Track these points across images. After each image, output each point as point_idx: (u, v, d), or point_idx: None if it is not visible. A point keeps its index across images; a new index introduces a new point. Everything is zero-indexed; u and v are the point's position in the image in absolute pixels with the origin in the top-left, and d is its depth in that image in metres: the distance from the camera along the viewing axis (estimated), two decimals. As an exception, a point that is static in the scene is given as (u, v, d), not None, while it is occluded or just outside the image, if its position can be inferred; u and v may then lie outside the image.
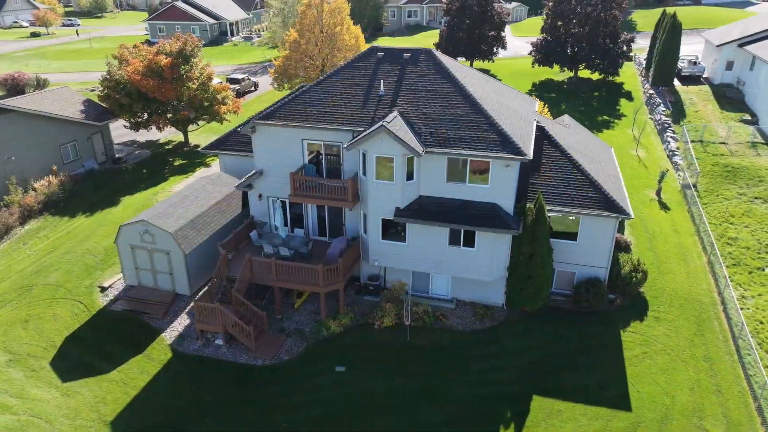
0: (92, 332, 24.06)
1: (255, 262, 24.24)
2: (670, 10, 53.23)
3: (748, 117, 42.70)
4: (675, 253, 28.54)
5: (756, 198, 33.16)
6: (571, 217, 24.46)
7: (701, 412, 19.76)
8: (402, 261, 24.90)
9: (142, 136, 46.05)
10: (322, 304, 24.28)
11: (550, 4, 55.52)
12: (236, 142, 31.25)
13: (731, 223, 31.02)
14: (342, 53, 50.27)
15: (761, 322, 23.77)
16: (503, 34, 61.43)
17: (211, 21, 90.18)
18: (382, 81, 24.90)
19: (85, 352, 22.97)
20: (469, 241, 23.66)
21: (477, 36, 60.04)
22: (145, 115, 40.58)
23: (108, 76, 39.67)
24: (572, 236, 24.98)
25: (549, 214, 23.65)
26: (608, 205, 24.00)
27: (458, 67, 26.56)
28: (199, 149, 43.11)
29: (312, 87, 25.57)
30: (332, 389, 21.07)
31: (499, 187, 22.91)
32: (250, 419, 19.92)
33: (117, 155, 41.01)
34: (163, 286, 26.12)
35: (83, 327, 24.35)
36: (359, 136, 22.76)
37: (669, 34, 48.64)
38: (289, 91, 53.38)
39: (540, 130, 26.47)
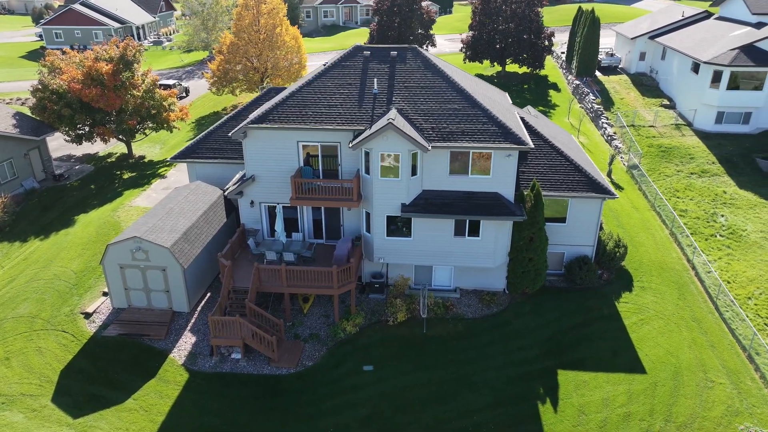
0: (90, 362, 22.20)
1: (263, 270, 23.55)
2: (586, 6, 57.38)
3: (666, 102, 47.19)
4: (640, 227, 31.18)
5: (692, 173, 36.90)
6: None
7: (704, 366, 21.95)
8: (407, 256, 25.23)
9: (79, 149, 42.55)
10: (335, 306, 24.06)
11: (477, 2, 57.87)
12: (207, 149, 30.07)
13: (678, 197, 34.35)
14: (283, 54, 49.36)
15: (729, 282, 26.68)
16: (432, 32, 63.12)
17: (116, 25, 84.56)
18: (375, 79, 25.05)
19: (89, 384, 21.18)
20: (474, 231, 24.45)
21: (408, 34, 61.23)
22: (87, 127, 37.60)
23: (40, 86, 36.33)
24: (561, 219, 26.59)
25: (542, 199, 25.01)
26: (594, 186, 25.81)
27: (443, 63, 27.28)
28: (145, 160, 40.86)
29: (303, 88, 25.18)
30: (368, 389, 21.04)
31: (500, 176, 23.89)
32: (294, 429, 19.43)
33: (57, 171, 37.65)
34: (158, 305, 24.60)
35: (77, 358, 22.40)
36: (365, 135, 22.79)
37: (589, 29, 52.53)
38: (231, 96, 51.72)
39: (522, 120, 27.81)
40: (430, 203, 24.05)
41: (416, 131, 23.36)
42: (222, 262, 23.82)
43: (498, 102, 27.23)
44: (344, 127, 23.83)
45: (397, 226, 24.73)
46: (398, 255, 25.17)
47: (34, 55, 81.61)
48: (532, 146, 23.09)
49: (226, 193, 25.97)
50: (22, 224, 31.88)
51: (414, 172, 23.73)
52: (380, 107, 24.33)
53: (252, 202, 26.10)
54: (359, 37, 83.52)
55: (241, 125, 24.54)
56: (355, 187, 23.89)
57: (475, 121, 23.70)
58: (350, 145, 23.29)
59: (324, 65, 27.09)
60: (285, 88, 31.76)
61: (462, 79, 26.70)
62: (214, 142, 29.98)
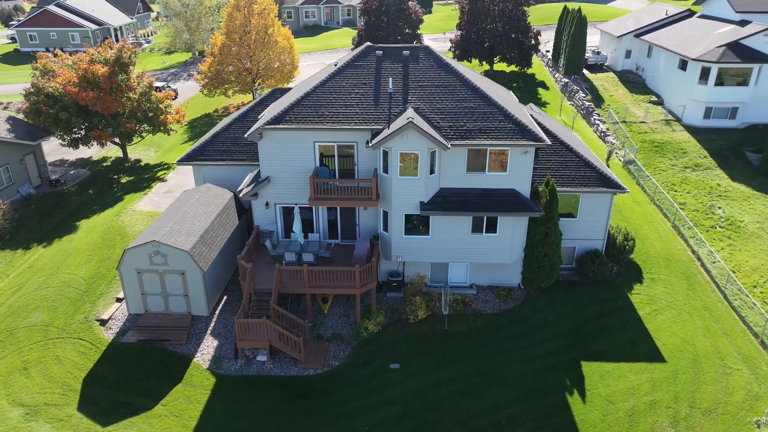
0: (112, 369, 21.80)
1: (284, 272, 23.47)
2: (572, 5, 58.34)
3: (655, 98, 48.36)
4: (644, 221, 31.93)
5: (686, 167, 37.93)
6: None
7: (720, 354, 22.64)
8: (425, 254, 25.40)
9: (72, 154, 41.61)
10: (357, 306, 24.10)
11: (465, 1, 58.38)
12: (214, 152, 29.74)
13: (675, 191, 35.26)
14: (276, 55, 49.05)
15: (733, 272, 27.53)
16: (419, 32, 63.46)
17: (93, 27, 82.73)
18: (390, 79, 25.14)
19: (114, 391, 20.81)
20: (492, 227, 24.74)
21: (396, 34, 61.43)
22: (83, 131, 36.82)
23: (33, 90, 35.44)
24: (572, 214, 27.08)
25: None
26: (605, 181, 26.35)
27: (455, 62, 27.50)
28: (141, 163, 40.20)
29: (317, 88, 25.13)
30: (397, 386, 21.14)
31: (517, 173, 24.22)
32: (330, 430, 19.41)
33: (53, 177, 36.76)
34: (176, 310, 24.28)
35: (99, 365, 21.98)
36: (385, 134, 22.86)
37: (577, 28, 53.46)
38: (222, 97, 51.15)
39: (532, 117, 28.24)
40: (448, 201, 24.25)
41: (434, 130, 23.54)
42: (243, 265, 23.64)
43: (508, 100, 27.61)
44: (362, 127, 23.87)
45: (415, 225, 24.88)
46: (416, 253, 25.32)
47: (8, 59, 79.53)
48: (549, 142, 23.48)
49: (240, 195, 25.76)
50: (23, 231, 31.06)
51: (432, 171, 23.90)
52: (396, 106, 24.44)
53: (267, 204, 25.95)
54: (342, 37, 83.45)
55: (256, 126, 24.40)
56: (374, 187, 23.96)
57: (492, 119, 23.99)
58: (369, 144, 23.35)
59: (335, 65, 27.09)
60: (290, 89, 31.65)
61: (474, 77, 26.98)
62: (221, 144, 29.68)
